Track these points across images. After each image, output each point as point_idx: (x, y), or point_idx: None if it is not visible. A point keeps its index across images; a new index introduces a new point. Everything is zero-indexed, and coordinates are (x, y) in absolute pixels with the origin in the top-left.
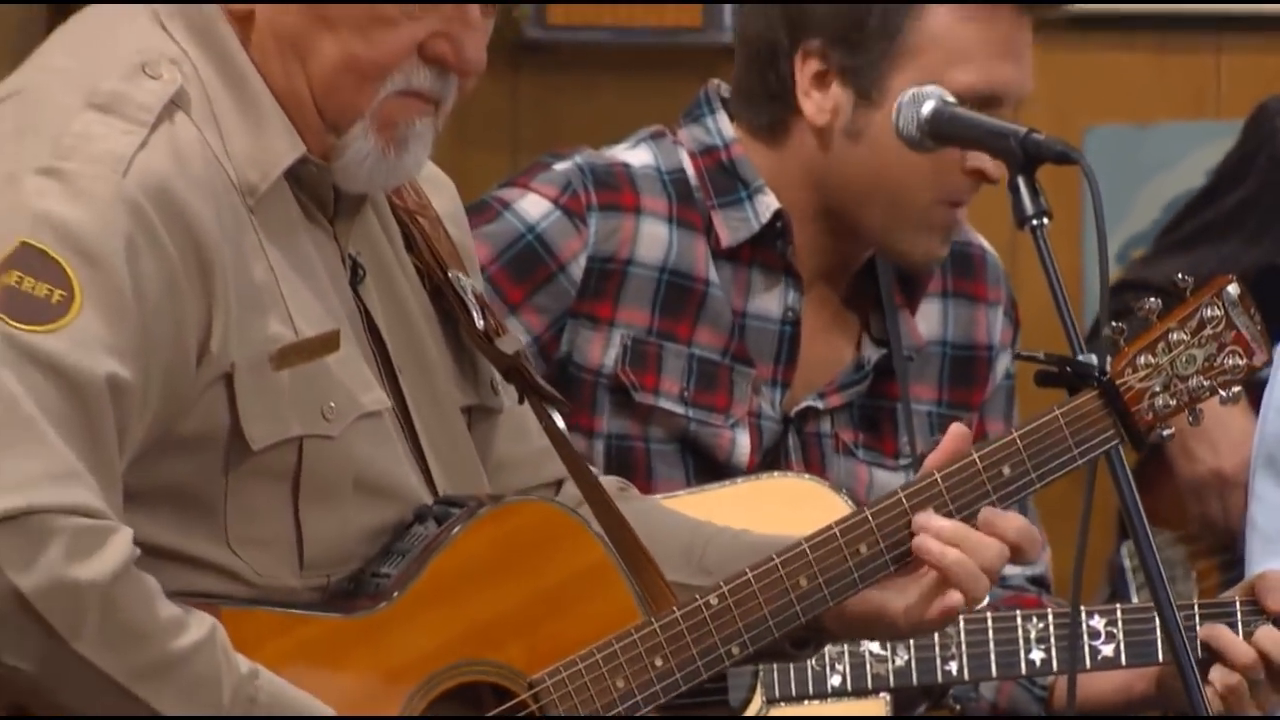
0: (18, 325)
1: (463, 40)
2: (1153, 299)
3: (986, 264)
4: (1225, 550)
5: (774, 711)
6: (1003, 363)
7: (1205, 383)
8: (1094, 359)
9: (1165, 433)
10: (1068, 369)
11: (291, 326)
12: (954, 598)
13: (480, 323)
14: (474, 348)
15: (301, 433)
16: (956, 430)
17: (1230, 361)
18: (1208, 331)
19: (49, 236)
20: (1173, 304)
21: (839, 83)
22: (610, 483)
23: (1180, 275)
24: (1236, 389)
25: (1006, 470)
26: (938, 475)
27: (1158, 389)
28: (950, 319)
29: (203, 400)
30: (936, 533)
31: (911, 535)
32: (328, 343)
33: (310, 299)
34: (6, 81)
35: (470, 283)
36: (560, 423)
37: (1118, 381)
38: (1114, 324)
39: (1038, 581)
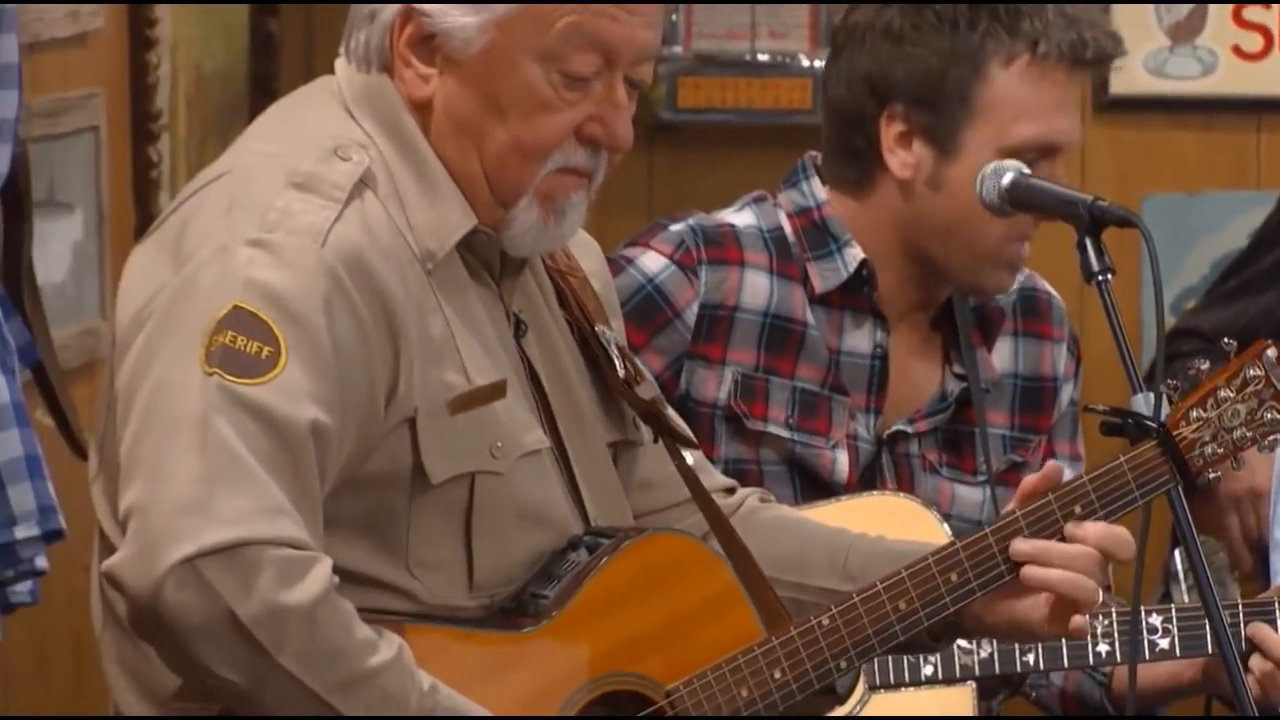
0: (232, 379)
1: (613, 122)
2: (1204, 362)
3: (1052, 307)
4: (1262, 557)
5: (874, 698)
6: (1067, 392)
7: (1248, 434)
8: (1152, 414)
9: (1212, 475)
10: (1130, 421)
11: (465, 376)
12: (1075, 609)
13: (621, 371)
14: (620, 388)
15: (473, 469)
16: (1051, 467)
17: (1270, 416)
18: (1250, 389)
19: (258, 300)
20: (1219, 364)
21: (920, 141)
22: (754, 493)
23: (1225, 340)
24: (1275, 438)
25: (1078, 509)
26: (1020, 514)
27: (1207, 439)
28: (1020, 355)
29: (389, 441)
30: (1039, 559)
31: (1001, 562)
32: (496, 391)
33: (480, 352)
34: (216, 164)
35: (613, 335)
36: (691, 459)
37: (1173, 433)
38: (1169, 381)
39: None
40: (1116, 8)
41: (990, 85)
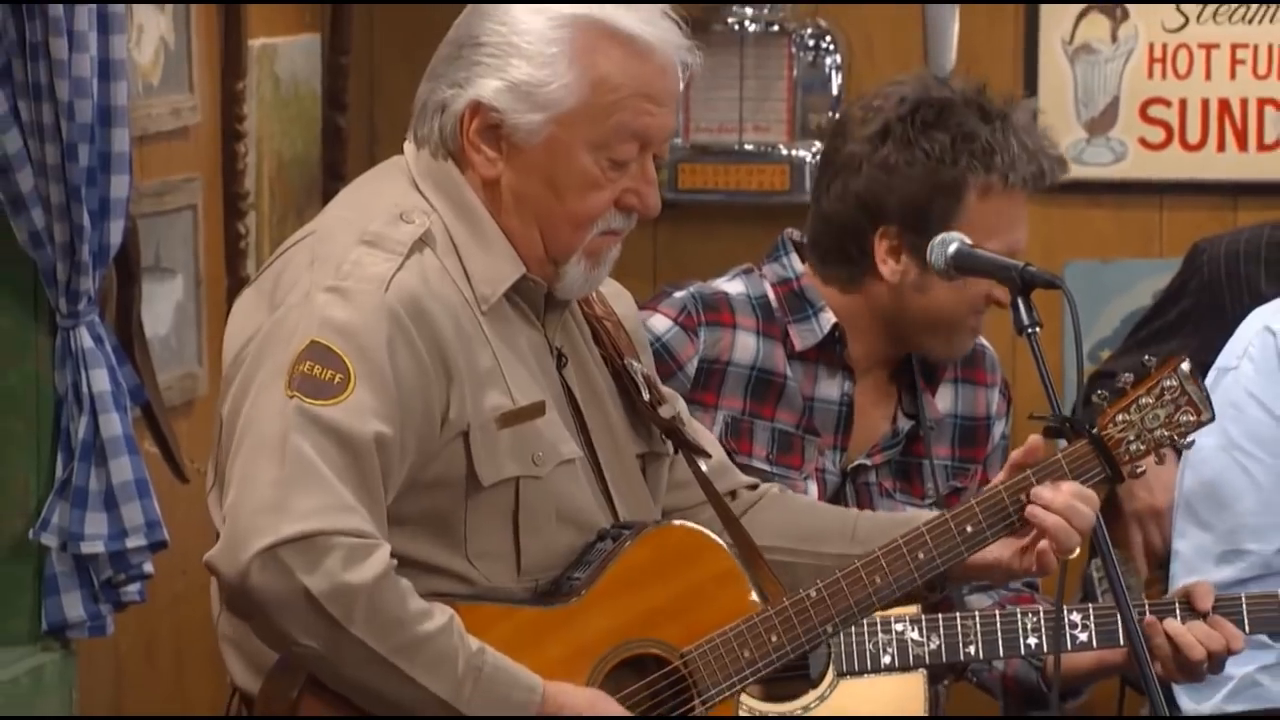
0: (309, 400)
1: (646, 194)
2: (1129, 375)
3: (986, 357)
4: (1162, 568)
5: (841, 683)
6: (998, 428)
7: (1166, 434)
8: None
9: (1139, 470)
10: (1068, 424)
11: (510, 398)
12: (1047, 549)
13: (647, 395)
14: (646, 410)
15: (518, 474)
16: (1034, 441)
17: (1185, 418)
18: (1167, 396)
19: (332, 335)
20: (1140, 377)
21: (907, 254)
22: (776, 485)
23: (1146, 357)
24: (1191, 438)
25: (1023, 497)
26: (973, 502)
27: (1132, 438)
28: (959, 398)
29: (446, 452)
30: (1046, 503)
31: (1013, 511)
32: (536, 410)
33: (525, 378)
34: (305, 227)
35: (640, 367)
36: (706, 466)
37: (1102, 433)
38: (1100, 392)
39: (1031, 585)
40: (1043, 105)
41: (968, 210)
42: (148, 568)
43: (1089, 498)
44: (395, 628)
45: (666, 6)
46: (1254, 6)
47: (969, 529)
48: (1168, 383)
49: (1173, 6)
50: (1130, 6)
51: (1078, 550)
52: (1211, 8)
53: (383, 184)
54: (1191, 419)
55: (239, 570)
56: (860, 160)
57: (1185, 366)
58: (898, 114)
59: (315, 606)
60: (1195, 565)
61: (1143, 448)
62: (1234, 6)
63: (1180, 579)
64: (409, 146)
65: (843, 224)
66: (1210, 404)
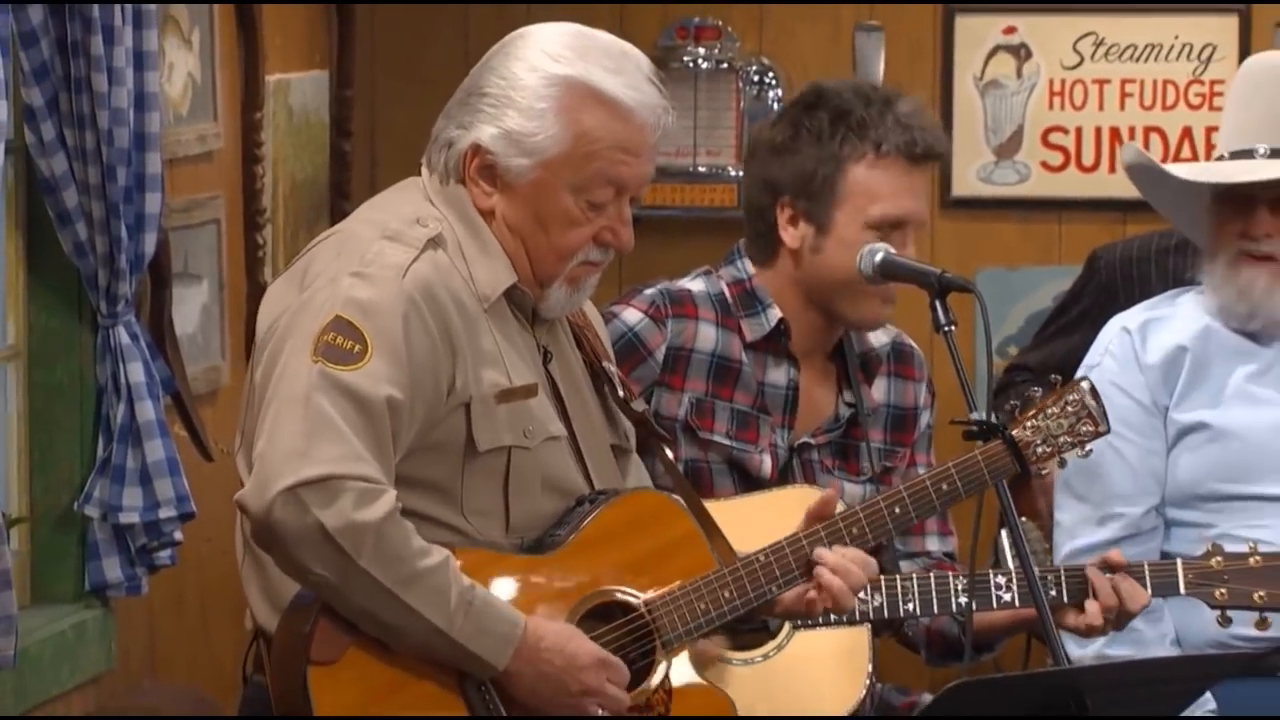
0: (331, 365)
1: (621, 233)
2: (1038, 389)
3: (914, 355)
4: None
5: (796, 635)
6: (925, 417)
7: (1068, 440)
8: (1000, 423)
9: (1044, 471)
10: (986, 428)
11: (508, 378)
12: (820, 600)
13: (621, 393)
14: (616, 408)
15: (510, 443)
16: (829, 496)
17: (1084, 428)
18: (1070, 409)
19: (354, 311)
20: (1049, 391)
21: (803, 221)
22: None
23: (1053, 376)
24: (1089, 446)
25: (945, 487)
26: (901, 490)
27: (1038, 442)
28: (892, 390)
29: (449, 419)
30: (829, 565)
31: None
32: (530, 391)
33: (520, 364)
34: (331, 229)
35: (614, 370)
36: (670, 453)
37: (1016, 437)
38: (1012, 402)
39: (949, 555)
40: (957, 133)
41: (847, 177)
42: (177, 535)
43: (865, 563)
44: (398, 562)
45: (650, 70)
46: (1140, 47)
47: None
48: (1071, 397)
49: (1070, 47)
50: (1032, 46)
51: (852, 605)
52: (1104, 48)
53: (402, 196)
54: (1090, 429)
55: (264, 506)
56: (756, 146)
57: (1087, 385)
58: (789, 104)
59: (329, 540)
60: (1075, 532)
61: (1048, 451)
62: (1123, 47)
63: (1062, 546)
64: (424, 169)
65: (754, 205)
66: (1107, 418)
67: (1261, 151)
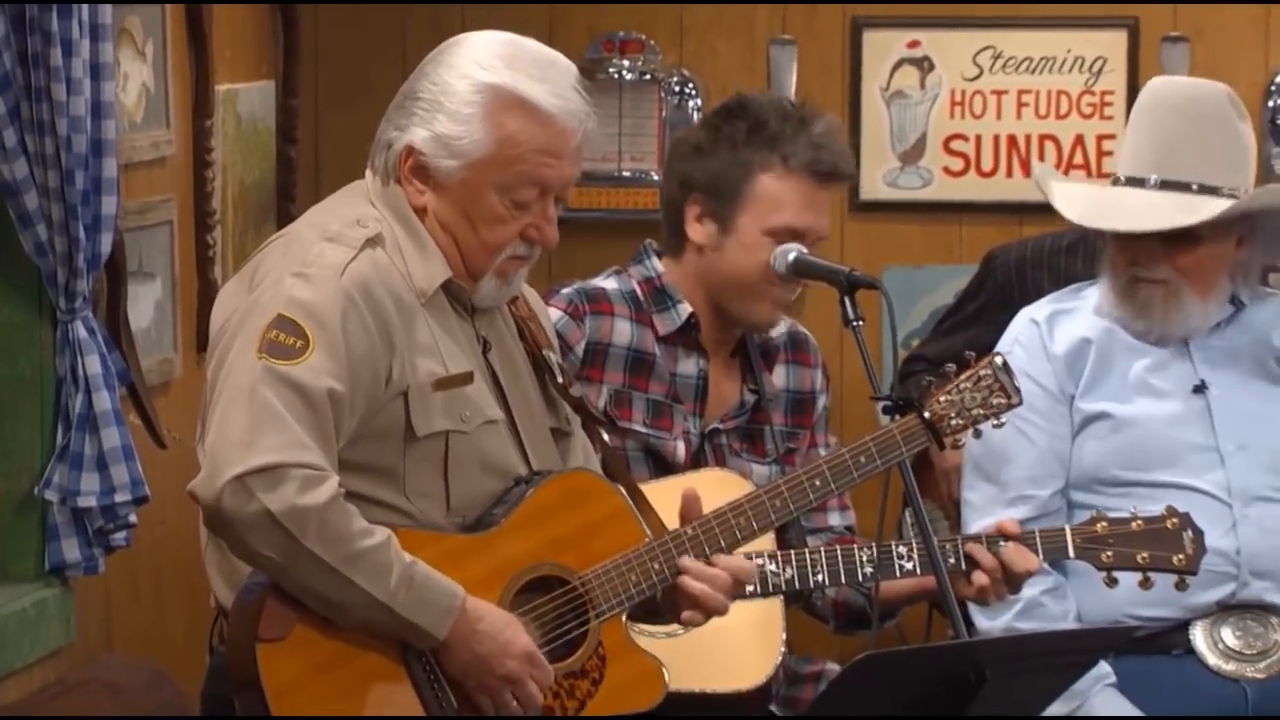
0: (275, 361)
1: (545, 230)
2: (951, 364)
3: (809, 344)
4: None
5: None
6: (822, 401)
7: (982, 413)
8: (916, 398)
9: (960, 442)
10: (903, 404)
11: (444, 366)
12: (695, 610)
13: (560, 379)
14: (556, 393)
15: (447, 428)
16: (692, 496)
17: (996, 400)
18: (984, 384)
19: (295, 310)
20: (962, 366)
21: (709, 219)
22: None
23: (967, 351)
24: (1003, 418)
25: (863, 459)
26: (821, 464)
27: (952, 415)
28: (790, 376)
29: (388, 407)
30: (694, 574)
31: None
32: (465, 378)
33: (457, 353)
34: (280, 231)
35: (554, 357)
36: (605, 435)
37: (928, 412)
38: (928, 378)
39: (850, 529)
40: (864, 140)
41: (753, 185)
42: (132, 519)
43: (740, 570)
44: (341, 542)
45: (575, 78)
46: (1035, 60)
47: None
48: (984, 372)
49: (970, 60)
50: (934, 59)
51: (728, 609)
52: (1001, 61)
53: (346, 199)
54: (1003, 402)
55: (214, 494)
56: (683, 145)
57: (999, 360)
58: (713, 110)
59: (275, 524)
60: (985, 510)
61: (962, 423)
62: (1019, 60)
63: (971, 523)
64: (369, 172)
65: (668, 200)
66: (1019, 391)
67: (1153, 181)
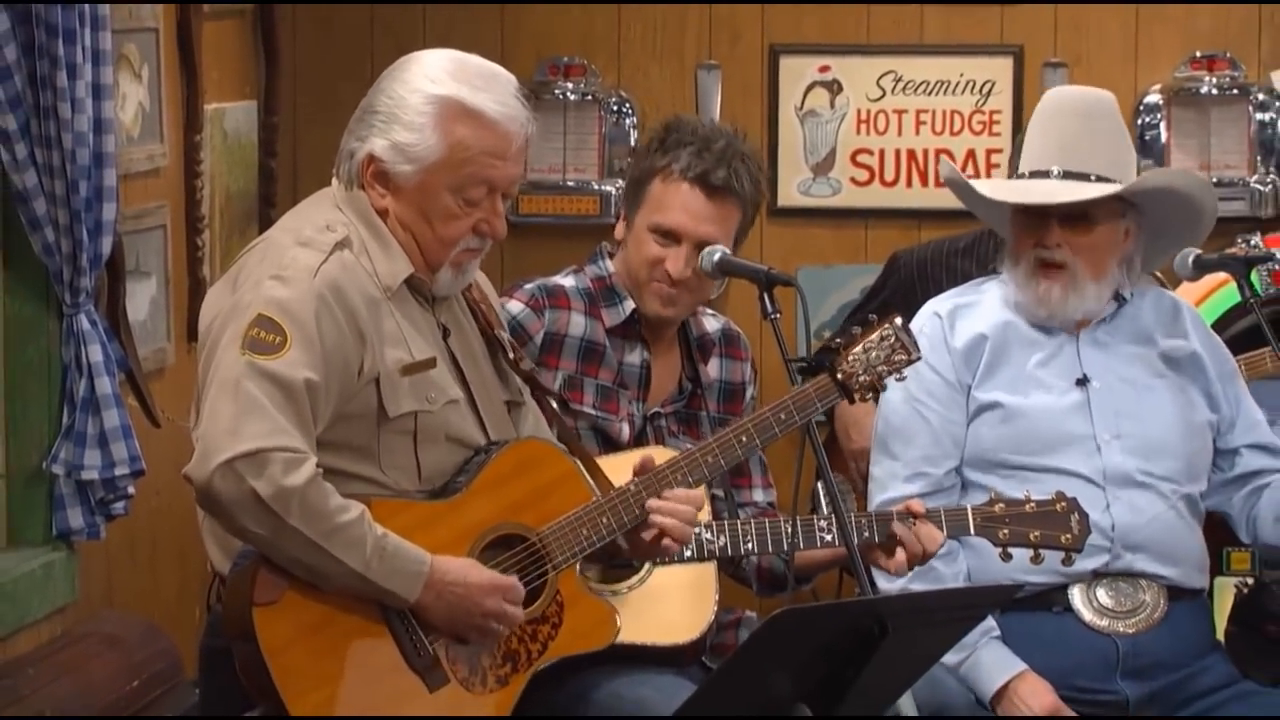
0: (257, 356)
1: (495, 224)
2: (857, 327)
3: (740, 340)
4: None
5: (655, 570)
6: (749, 390)
7: (885, 369)
8: (827, 360)
9: (868, 396)
10: (816, 363)
11: (410, 354)
12: (667, 538)
13: (512, 355)
14: (509, 369)
15: (415, 408)
16: (647, 457)
17: (898, 357)
18: (886, 342)
19: (274, 309)
20: (866, 327)
21: (623, 219)
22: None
23: (869, 315)
24: (904, 373)
25: (783, 416)
26: (746, 422)
27: (860, 373)
28: (723, 368)
29: (362, 393)
30: (658, 510)
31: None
32: (429, 364)
33: (420, 341)
34: (260, 237)
35: (506, 336)
36: (554, 404)
37: (838, 370)
38: (836, 340)
39: (771, 505)
40: (781, 154)
41: (651, 189)
42: (130, 490)
43: (693, 498)
44: (321, 518)
45: (516, 88)
46: (932, 83)
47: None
48: (886, 332)
49: (874, 83)
50: (843, 82)
51: (691, 538)
52: (902, 84)
53: (315, 206)
54: (904, 358)
55: (206, 477)
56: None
57: (898, 320)
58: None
59: (261, 504)
60: (887, 485)
61: (868, 379)
62: (918, 83)
63: (875, 496)
64: (334, 180)
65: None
66: (918, 346)
67: (1055, 173)
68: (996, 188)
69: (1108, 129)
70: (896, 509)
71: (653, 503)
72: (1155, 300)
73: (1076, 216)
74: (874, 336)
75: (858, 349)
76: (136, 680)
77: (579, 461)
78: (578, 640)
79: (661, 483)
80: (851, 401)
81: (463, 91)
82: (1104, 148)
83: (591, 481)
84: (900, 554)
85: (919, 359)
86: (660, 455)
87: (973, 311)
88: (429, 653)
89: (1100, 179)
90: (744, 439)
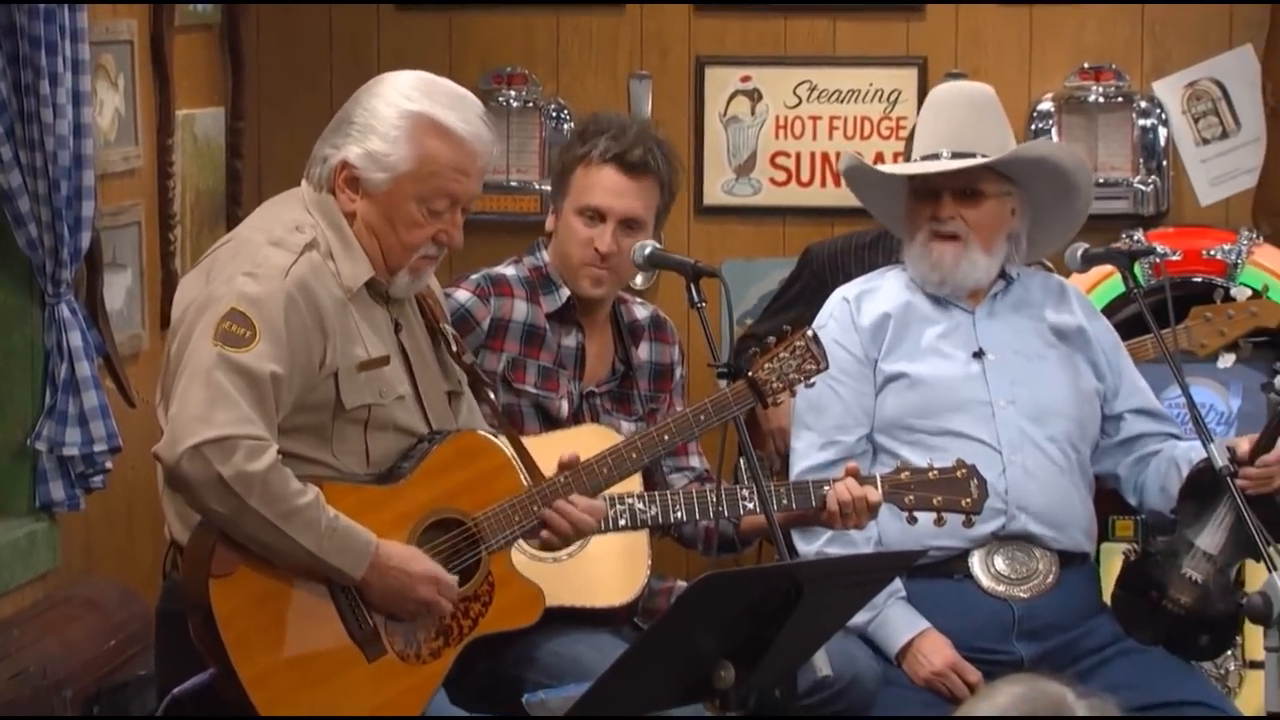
0: (227, 348)
1: (453, 234)
2: (773, 338)
3: (667, 325)
4: (784, 461)
5: (592, 538)
6: (678, 372)
7: (797, 377)
8: (745, 368)
9: (779, 401)
10: (734, 371)
11: (367, 351)
12: (547, 531)
13: (454, 348)
14: (451, 360)
15: (369, 401)
16: (572, 457)
17: (809, 366)
18: (799, 351)
19: (245, 304)
20: (780, 338)
21: (552, 211)
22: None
23: (785, 325)
24: (814, 380)
25: (702, 417)
26: (669, 421)
27: (774, 380)
28: (654, 351)
29: (322, 386)
30: (562, 512)
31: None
32: (383, 361)
33: (375, 339)
34: (230, 234)
35: (450, 329)
36: (491, 395)
37: (755, 376)
38: (754, 349)
39: (707, 470)
40: (706, 156)
41: (574, 175)
42: (108, 465)
43: (594, 509)
44: (279, 501)
45: (481, 111)
46: (844, 91)
47: (633, 455)
48: (799, 343)
49: (791, 91)
50: (762, 90)
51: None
52: (817, 92)
53: (285, 205)
54: (813, 367)
55: (174, 459)
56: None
57: (810, 332)
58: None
59: (225, 486)
60: (805, 454)
61: (781, 385)
62: (831, 91)
63: (795, 465)
64: (305, 181)
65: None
66: (826, 357)
67: (945, 155)
68: (895, 168)
69: (991, 117)
70: (849, 469)
71: (561, 504)
72: (1044, 281)
73: (967, 192)
74: (788, 346)
75: (773, 358)
76: (113, 640)
77: (512, 450)
78: (506, 618)
79: (589, 476)
80: (765, 406)
81: (436, 109)
82: (989, 132)
83: (524, 472)
84: (833, 507)
85: (827, 368)
86: (594, 433)
87: (877, 295)
88: (369, 626)
89: (985, 158)
90: (666, 437)
